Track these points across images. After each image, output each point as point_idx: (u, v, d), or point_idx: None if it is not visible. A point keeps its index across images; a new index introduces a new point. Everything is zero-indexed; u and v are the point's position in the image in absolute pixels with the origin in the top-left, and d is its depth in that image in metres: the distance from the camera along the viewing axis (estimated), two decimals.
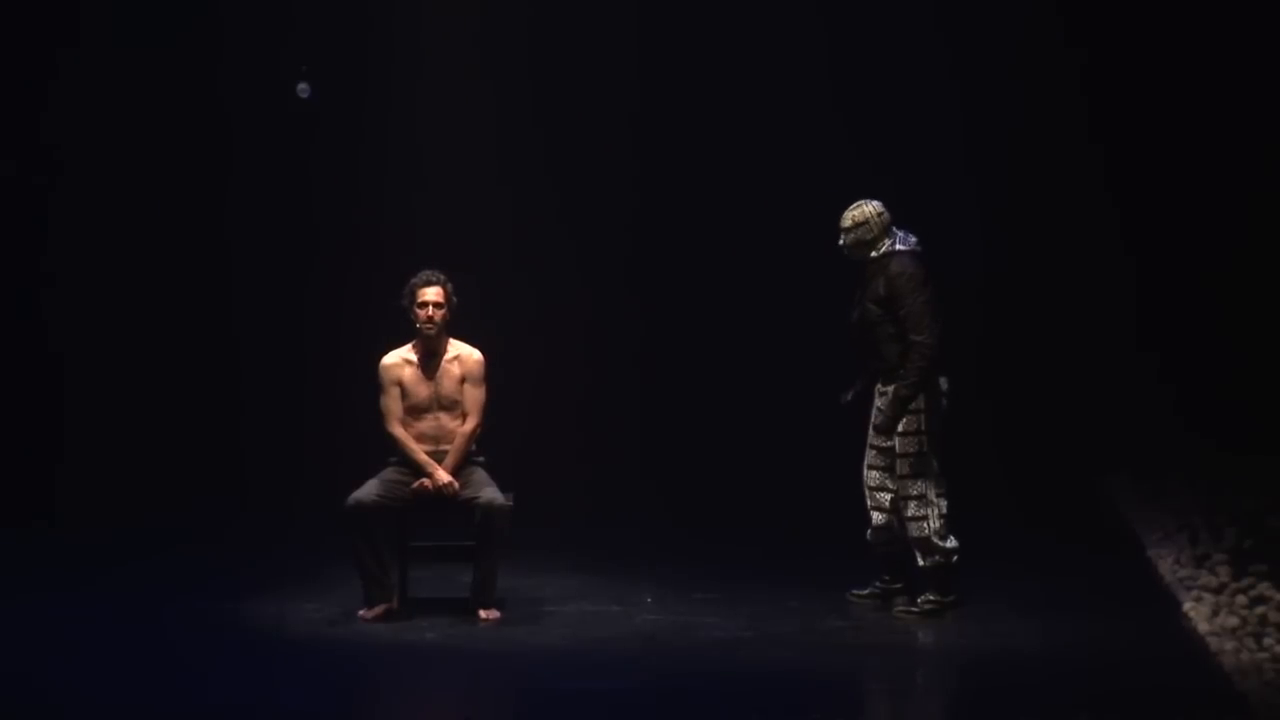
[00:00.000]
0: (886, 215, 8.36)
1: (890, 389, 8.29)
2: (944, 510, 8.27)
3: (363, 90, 11.08)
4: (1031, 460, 10.72)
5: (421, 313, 8.38)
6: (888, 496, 8.38)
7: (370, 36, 11.05)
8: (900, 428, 8.27)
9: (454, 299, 8.43)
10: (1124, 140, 10.75)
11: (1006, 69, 10.77)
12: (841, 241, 8.39)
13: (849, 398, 8.55)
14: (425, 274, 8.43)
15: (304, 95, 10.82)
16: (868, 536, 8.51)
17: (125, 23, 10.92)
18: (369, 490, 8.26)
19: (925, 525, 8.25)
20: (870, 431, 8.45)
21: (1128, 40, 10.72)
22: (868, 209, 8.35)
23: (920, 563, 8.32)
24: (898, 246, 8.32)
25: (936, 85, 10.83)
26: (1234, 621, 7.77)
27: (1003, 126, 10.82)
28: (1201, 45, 10.61)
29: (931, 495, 8.25)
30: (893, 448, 8.30)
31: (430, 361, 8.43)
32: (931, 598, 8.32)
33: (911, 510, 8.27)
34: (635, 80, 11.06)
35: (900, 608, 8.40)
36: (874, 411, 8.44)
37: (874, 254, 8.34)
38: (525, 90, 11.08)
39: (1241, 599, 8.06)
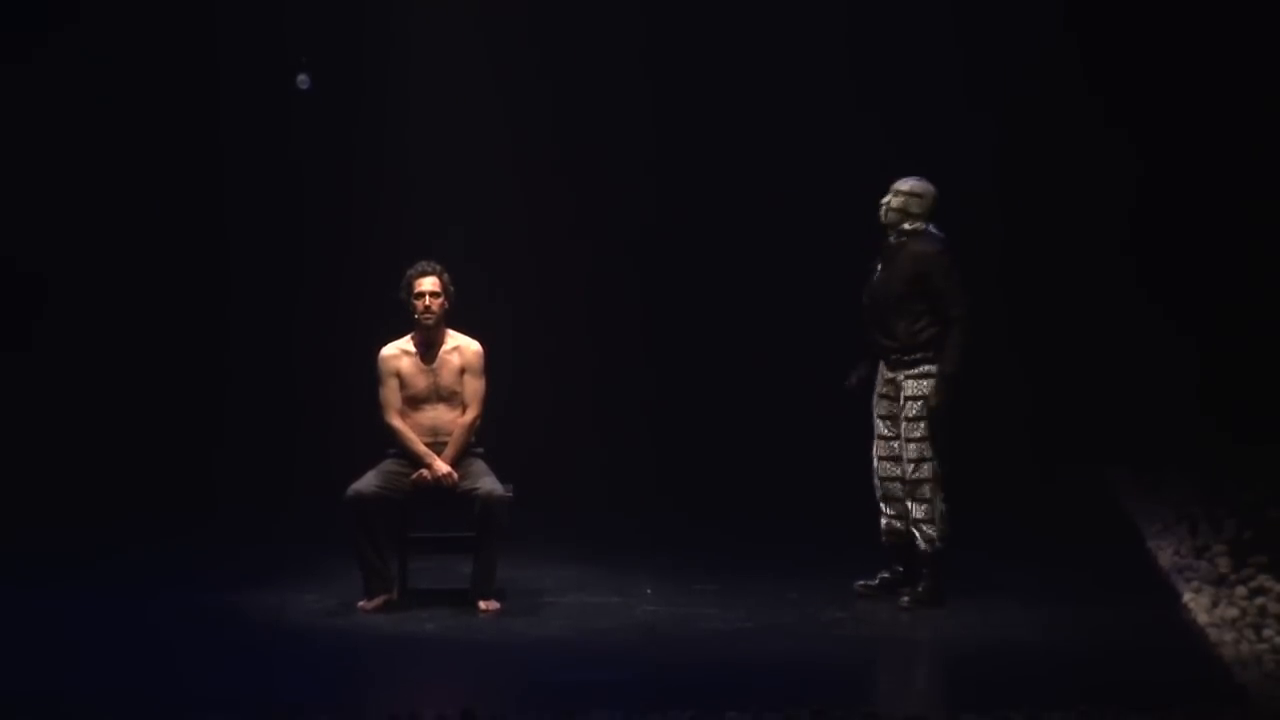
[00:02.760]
0: (936, 203, 8.34)
1: (898, 375, 8.27)
2: (944, 497, 8.27)
3: (359, 82, 11.07)
4: (1033, 451, 10.71)
5: (418, 303, 8.37)
6: (899, 486, 8.36)
7: (368, 28, 11.03)
8: (912, 412, 8.26)
9: (451, 289, 8.43)
10: (1141, 128, 10.73)
11: (1026, 44, 10.74)
12: (885, 200, 8.35)
13: (853, 381, 8.52)
14: (421, 264, 8.42)
15: (303, 86, 10.81)
16: (882, 526, 8.47)
17: (122, 12, 10.91)
18: (368, 481, 8.26)
19: (930, 509, 8.24)
20: (878, 423, 8.42)
21: (1152, 17, 10.69)
22: (928, 185, 8.35)
23: (922, 547, 8.31)
24: (930, 229, 8.32)
25: (953, 64, 10.78)
26: (1234, 613, 7.77)
27: (1016, 118, 10.80)
28: (1231, 30, 10.57)
29: (935, 480, 8.25)
30: (899, 433, 8.29)
31: (429, 352, 8.42)
32: (930, 585, 8.31)
33: (918, 493, 8.27)
34: (642, 66, 11.03)
35: (905, 597, 8.39)
36: (875, 399, 8.42)
37: (905, 226, 8.32)
38: (529, 79, 11.05)
39: (1241, 590, 8.07)
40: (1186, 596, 8.08)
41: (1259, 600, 7.92)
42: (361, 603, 8.26)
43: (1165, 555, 8.76)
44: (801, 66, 10.91)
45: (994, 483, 10.20)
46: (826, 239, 10.46)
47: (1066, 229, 10.94)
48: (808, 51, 10.90)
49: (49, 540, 9.80)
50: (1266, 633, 7.50)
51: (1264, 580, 8.12)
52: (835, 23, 10.88)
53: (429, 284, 8.38)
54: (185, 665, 7.44)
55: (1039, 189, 10.92)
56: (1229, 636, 7.49)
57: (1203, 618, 7.76)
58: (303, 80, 10.83)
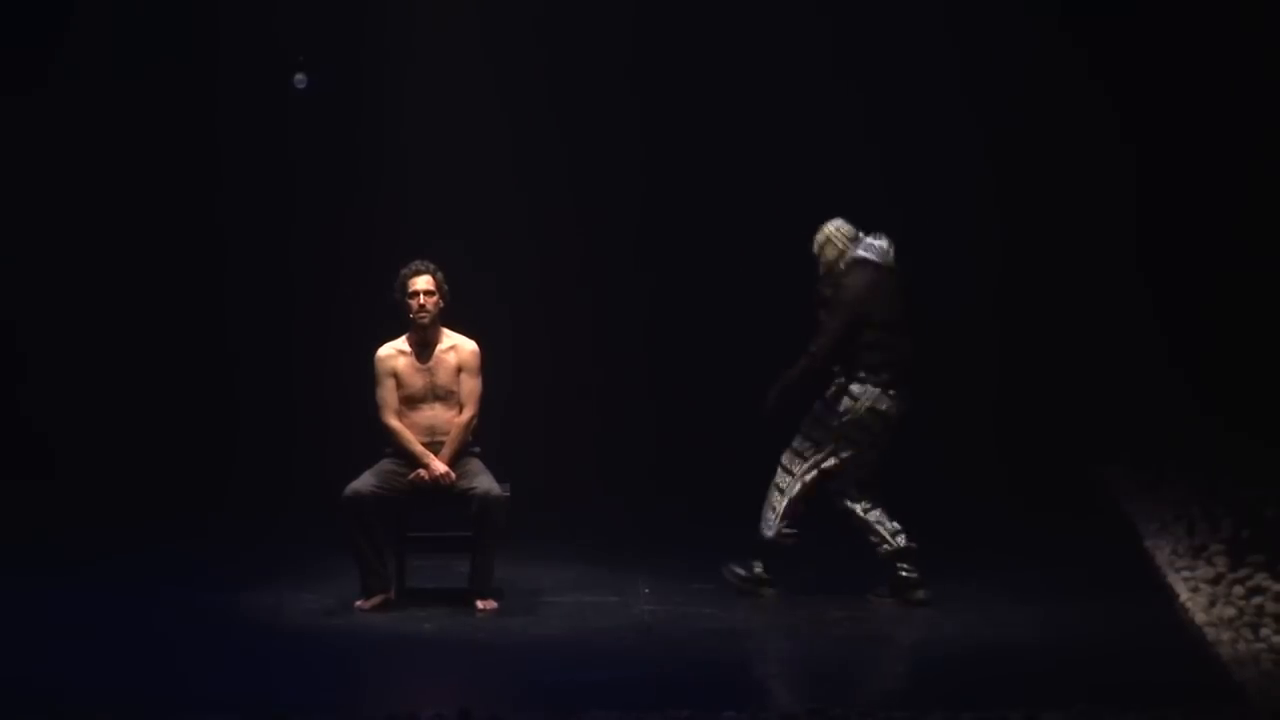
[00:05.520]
0: (847, 228, 8.42)
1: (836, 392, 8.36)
2: (795, 496, 8.35)
3: (357, 82, 11.06)
4: (1029, 450, 10.71)
5: (413, 302, 8.38)
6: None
7: (366, 28, 11.03)
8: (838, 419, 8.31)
9: (445, 287, 8.43)
10: (1133, 127, 10.74)
11: (1016, 47, 10.75)
12: (820, 272, 8.47)
13: None
14: (415, 264, 8.43)
15: (300, 86, 10.80)
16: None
17: (120, 11, 10.90)
18: (366, 481, 8.26)
19: (778, 500, 8.36)
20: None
21: (1142, 30, 10.70)
22: (827, 228, 8.45)
23: (761, 534, 8.43)
24: (860, 253, 8.37)
25: (945, 68, 10.80)
26: (1231, 612, 7.78)
27: (1012, 117, 10.81)
28: (1217, 37, 10.59)
29: (797, 474, 8.36)
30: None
31: (425, 352, 8.42)
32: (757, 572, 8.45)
33: (778, 477, 8.39)
34: (641, 67, 11.03)
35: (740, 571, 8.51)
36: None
37: (842, 266, 8.41)
38: (528, 79, 11.05)
39: (1238, 589, 8.07)
40: (1184, 595, 8.09)
41: (1256, 599, 7.92)
42: (359, 602, 8.27)
43: (1162, 554, 8.77)
44: (803, 71, 10.92)
45: (992, 482, 10.22)
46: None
47: (1063, 227, 10.95)
48: (805, 53, 10.90)
49: (50, 540, 9.79)
50: (1264, 632, 7.51)
51: (1261, 579, 8.12)
52: (847, 29, 10.88)
53: (423, 283, 8.38)
54: (185, 665, 7.45)
55: (1035, 188, 10.93)
56: (1226, 635, 7.49)
57: (1200, 617, 7.77)
58: (299, 80, 10.83)
